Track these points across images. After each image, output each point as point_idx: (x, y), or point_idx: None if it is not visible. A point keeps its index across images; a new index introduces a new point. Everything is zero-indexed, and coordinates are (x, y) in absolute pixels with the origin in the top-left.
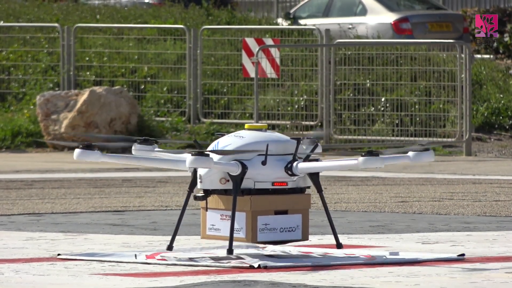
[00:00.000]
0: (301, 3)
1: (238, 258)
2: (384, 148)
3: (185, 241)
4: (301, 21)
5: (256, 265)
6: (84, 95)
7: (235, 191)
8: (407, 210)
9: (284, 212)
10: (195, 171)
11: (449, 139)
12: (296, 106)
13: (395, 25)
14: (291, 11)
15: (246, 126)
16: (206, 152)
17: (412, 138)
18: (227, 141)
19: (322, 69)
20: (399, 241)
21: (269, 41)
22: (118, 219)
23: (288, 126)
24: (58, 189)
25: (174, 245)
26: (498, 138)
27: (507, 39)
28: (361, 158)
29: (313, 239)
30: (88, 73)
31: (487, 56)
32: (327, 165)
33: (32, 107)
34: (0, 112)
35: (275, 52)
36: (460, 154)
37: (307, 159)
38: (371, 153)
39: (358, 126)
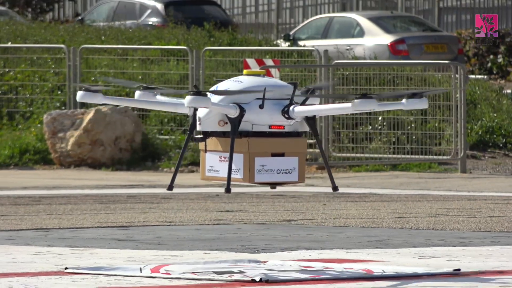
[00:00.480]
0: (301, 25)
1: (240, 272)
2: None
3: (189, 256)
4: (301, 43)
5: (257, 279)
6: (90, 114)
7: (233, 132)
8: (404, 226)
9: (281, 155)
10: (194, 114)
11: (445, 157)
12: None
13: (392, 47)
14: (291, 32)
15: (244, 71)
16: (204, 92)
17: (408, 156)
18: (226, 85)
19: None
20: (396, 255)
21: (269, 61)
22: (123, 234)
23: None
24: (65, 205)
25: (177, 261)
26: (492, 156)
27: (500, 60)
28: (355, 101)
29: (312, 253)
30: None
31: (481, 76)
32: (323, 108)
33: (39, 125)
34: (8, 130)
35: (275, 73)
36: (455, 171)
37: (303, 103)
38: (365, 96)
39: (356, 144)
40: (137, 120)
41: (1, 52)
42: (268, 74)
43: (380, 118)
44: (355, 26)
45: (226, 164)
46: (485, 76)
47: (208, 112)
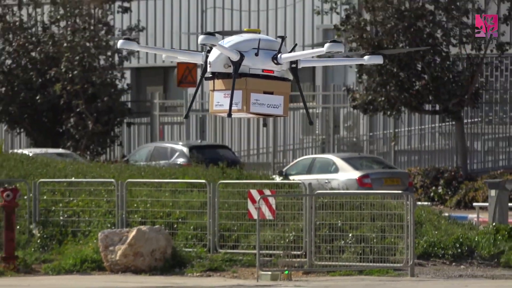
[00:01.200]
0: (291, 164)
1: None
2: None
3: None
4: (291, 177)
5: None
6: (133, 232)
7: (235, 71)
8: None
9: (271, 93)
10: (206, 61)
11: (398, 264)
12: (287, 240)
13: (359, 180)
14: (284, 169)
15: (245, 29)
16: (214, 33)
17: (371, 264)
18: (231, 38)
19: (306, 212)
20: None
21: (267, 191)
22: None
23: (281, 255)
24: None
25: None
26: (434, 264)
27: (440, 190)
28: (326, 45)
29: None
30: (136, 215)
31: (426, 203)
32: (302, 53)
33: (95, 241)
34: (72, 244)
35: (272, 200)
36: (406, 275)
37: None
38: (334, 41)
39: (332, 255)
40: (168, 237)
41: (67, 185)
42: (266, 201)
43: (350, 235)
44: (332, 165)
45: (229, 100)
46: (429, 203)
47: (216, 57)
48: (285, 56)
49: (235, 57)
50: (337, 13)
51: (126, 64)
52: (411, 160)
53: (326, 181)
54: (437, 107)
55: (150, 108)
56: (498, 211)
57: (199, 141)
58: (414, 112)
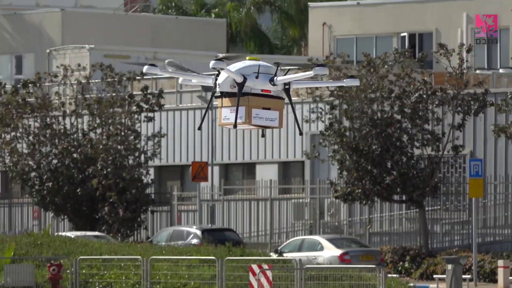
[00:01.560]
0: (284, 243)
1: None
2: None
3: None
4: (285, 254)
5: None
6: None
7: (239, 91)
8: None
9: (268, 109)
10: (215, 83)
11: None
12: None
13: (340, 257)
14: (278, 248)
15: (247, 58)
16: (222, 59)
17: None
18: (236, 64)
19: (297, 283)
20: None
21: (265, 266)
22: None
23: None
24: None
25: None
26: None
27: (406, 265)
28: (315, 68)
29: None
30: (158, 286)
31: (395, 275)
32: (294, 76)
33: None
34: None
35: (269, 273)
36: None
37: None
38: (320, 65)
39: None
40: None
41: (102, 261)
42: (264, 274)
43: None
44: (318, 244)
45: (234, 114)
46: (397, 275)
47: (224, 79)
48: (280, 79)
49: (240, 79)
50: (322, 121)
51: (150, 163)
52: (382, 240)
53: (313, 257)
54: (404, 197)
55: (170, 199)
56: (454, 282)
57: (210, 225)
58: (385, 201)
